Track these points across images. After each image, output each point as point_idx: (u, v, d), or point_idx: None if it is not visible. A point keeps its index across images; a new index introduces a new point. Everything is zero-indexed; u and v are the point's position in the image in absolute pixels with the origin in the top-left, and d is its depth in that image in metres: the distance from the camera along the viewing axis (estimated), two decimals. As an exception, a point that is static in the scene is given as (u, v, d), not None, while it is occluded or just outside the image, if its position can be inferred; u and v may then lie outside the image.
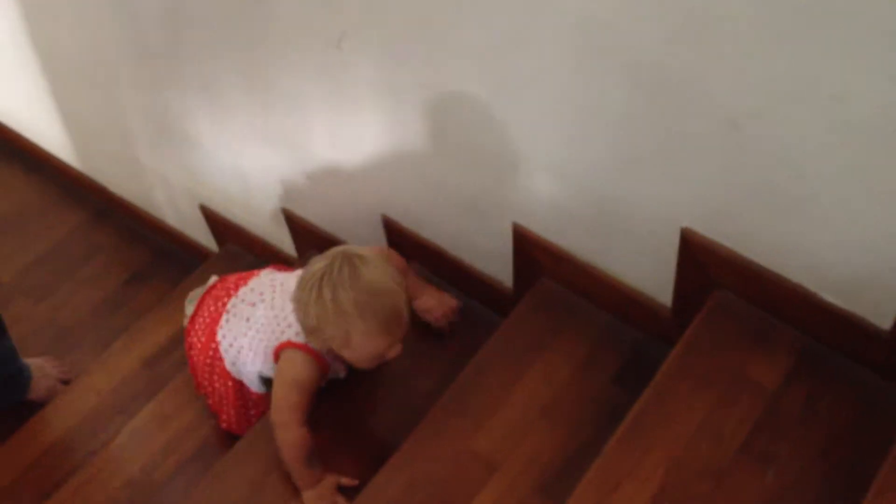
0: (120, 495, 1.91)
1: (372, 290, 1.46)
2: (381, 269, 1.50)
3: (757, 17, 1.04)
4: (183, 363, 2.09)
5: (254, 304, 1.73)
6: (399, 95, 1.55)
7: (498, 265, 1.78)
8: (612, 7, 1.15)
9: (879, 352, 1.30)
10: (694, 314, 1.44)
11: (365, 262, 1.49)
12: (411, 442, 1.55)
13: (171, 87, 2.07)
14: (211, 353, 1.79)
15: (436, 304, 1.80)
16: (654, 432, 1.32)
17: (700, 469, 1.27)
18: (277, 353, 1.64)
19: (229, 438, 1.87)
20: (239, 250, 2.50)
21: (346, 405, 1.77)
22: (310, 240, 2.18)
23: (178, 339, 2.18)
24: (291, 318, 1.60)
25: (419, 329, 1.78)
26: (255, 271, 1.85)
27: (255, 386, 1.77)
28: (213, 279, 1.92)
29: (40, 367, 2.30)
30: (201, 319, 1.84)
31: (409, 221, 1.88)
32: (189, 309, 1.93)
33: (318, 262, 1.51)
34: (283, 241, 2.31)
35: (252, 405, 1.82)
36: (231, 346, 1.74)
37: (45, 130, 2.85)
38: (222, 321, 1.77)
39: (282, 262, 2.19)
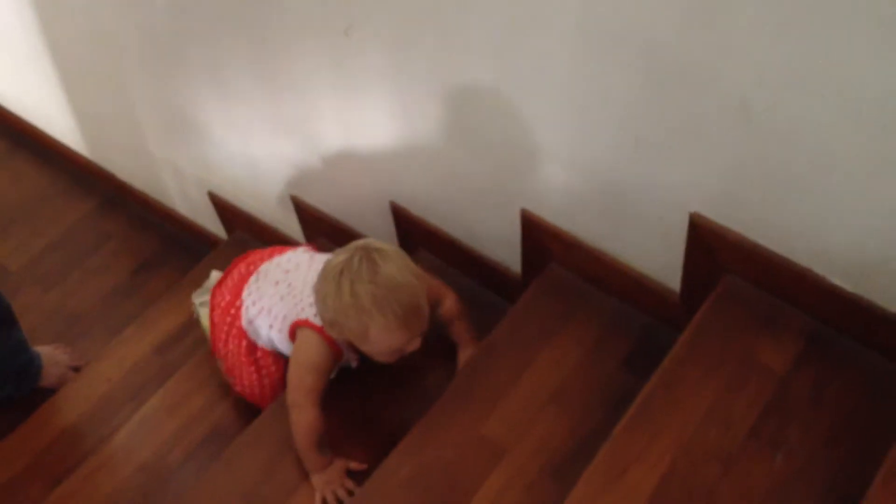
0: (131, 481, 1.93)
1: (391, 285, 1.46)
2: (400, 263, 1.50)
3: (767, 0, 1.03)
4: (193, 350, 2.10)
5: (287, 272, 1.74)
6: (407, 83, 1.55)
7: (506, 251, 1.78)
8: (621, -9, 1.15)
9: (889, 335, 1.30)
10: (702, 299, 1.44)
11: (384, 257, 1.49)
12: (421, 427, 1.56)
13: (180, 75, 2.07)
14: (233, 311, 1.80)
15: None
16: (662, 417, 1.32)
17: (708, 454, 1.28)
18: (294, 329, 1.65)
19: (240, 422, 1.88)
20: (248, 238, 2.50)
21: (356, 392, 1.77)
22: (318, 227, 2.18)
23: (188, 326, 2.20)
24: (314, 298, 1.60)
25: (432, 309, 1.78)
26: (294, 247, 1.86)
27: (268, 346, 1.77)
28: (216, 274, 1.95)
29: (51, 355, 2.31)
30: (230, 280, 1.85)
31: (418, 208, 1.88)
32: (213, 280, 1.96)
33: (339, 256, 1.51)
34: (292, 228, 2.31)
35: (263, 366, 1.82)
36: (254, 304, 1.75)
37: (55, 119, 2.85)
38: (251, 281, 1.79)
39: (290, 247, 2.19)
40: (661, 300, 1.57)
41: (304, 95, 1.78)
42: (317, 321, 1.60)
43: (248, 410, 1.91)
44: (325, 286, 1.50)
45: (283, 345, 1.72)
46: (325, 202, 2.12)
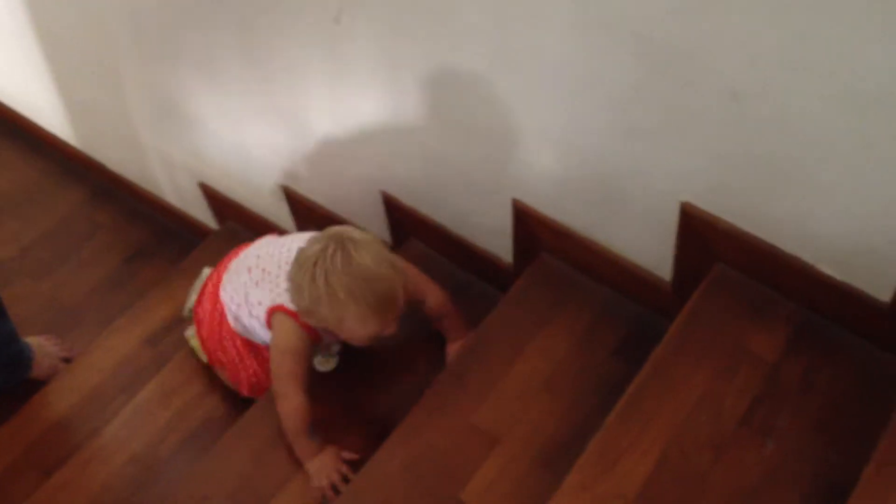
0: (123, 471, 1.93)
1: (365, 275, 1.47)
2: (374, 252, 1.50)
3: (757, -11, 1.04)
4: (185, 340, 2.10)
5: (259, 257, 1.74)
6: (398, 70, 1.55)
7: (498, 240, 1.78)
8: (612, -21, 1.15)
9: (879, 324, 1.31)
10: (694, 288, 1.44)
11: (358, 246, 1.49)
12: (413, 416, 1.56)
13: (171, 64, 2.06)
14: (218, 316, 1.80)
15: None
16: (653, 406, 1.32)
17: (700, 441, 1.28)
18: (270, 315, 1.65)
19: (232, 413, 1.88)
20: (239, 228, 2.50)
21: (348, 382, 1.78)
22: (310, 217, 2.18)
23: (180, 317, 2.19)
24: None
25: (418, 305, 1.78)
26: (258, 240, 1.86)
27: (259, 338, 1.77)
28: (206, 271, 1.95)
29: (41, 346, 2.30)
30: (206, 293, 1.86)
31: (409, 198, 1.88)
32: (203, 277, 1.97)
33: (314, 245, 1.52)
34: (283, 218, 2.31)
35: (265, 359, 1.81)
36: (232, 300, 1.76)
37: (44, 109, 2.84)
38: (224, 281, 1.79)
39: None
40: (653, 289, 1.57)
41: (294, 83, 1.78)
42: (292, 306, 1.61)
43: (240, 402, 1.91)
44: (300, 276, 1.51)
45: (263, 332, 1.73)
46: (316, 192, 2.12)
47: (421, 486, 1.48)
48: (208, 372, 2.00)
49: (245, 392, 1.88)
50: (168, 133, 2.37)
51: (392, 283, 1.50)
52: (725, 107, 1.18)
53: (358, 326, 1.52)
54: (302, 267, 1.51)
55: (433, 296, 1.73)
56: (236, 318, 1.77)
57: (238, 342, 1.81)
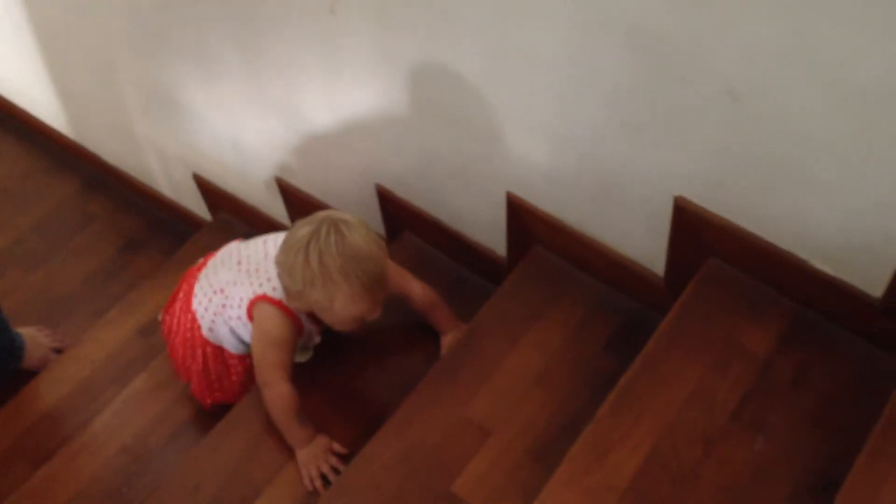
0: (115, 462, 1.92)
1: (358, 255, 1.49)
2: (364, 233, 1.53)
3: (753, -17, 1.04)
4: (177, 332, 2.09)
5: (231, 262, 1.74)
6: (392, 62, 1.54)
7: (491, 234, 1.78)
8: (608, -27, 1.15)
9: (870, 320, 1.31)
10: (687, 283, 1.44)
11: (350, 228, 1.51)
12: (405, 408, 1.56)
13: (165, 55, 2.05)
14: (189, 324, 1.80)
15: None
16: (645, 399, 1.33)
17: (691, 435, 1.28)
18: (251, 307, 1.65)
19: (223, 406, 1.88)
20: (232, 219, 2.50)
21: (341, 373, 1.78)
22: (303, 209, 2.17)
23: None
24: (271, 273, 1.62)
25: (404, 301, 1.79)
26: (224, 247, 1.85)
27: (232, 347, 1.78)
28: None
29: (33, 337, 2.29)
30: (177, 303, 1.86)
31: (403, 191, 1.88)
32: None
33: (304, 227, 1.53)
34: (277, 210, 2.31)
35: (233, 371, 1.83)
36: (206, 309, 1.75)
37: (38, 98, 2.83)
38: (195, 290, 1.79)
39: (274, 230, 2.19)
40: (646, 283, 1.57)
41: (289, 75, 1.77)
42: (274, 295, 1.62)
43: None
44: (292, 258, 1.51)
45: (234, 339, 1.74)
46: (310, 184, 2.12)
47: (413, 478, 1.48)
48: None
49: (208, 403, 1.88)
50: (162, 124, 2.37)
51: (382, 262, 1.54)
52: (721, 103, 1.18)
53: (348, 307, 1.52)
54: (293, 249, 1.52)
55: (416, 290, 1.74)
56: (210, 328, 1.77)
57: (209, 350, 1.80)
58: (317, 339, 1.74)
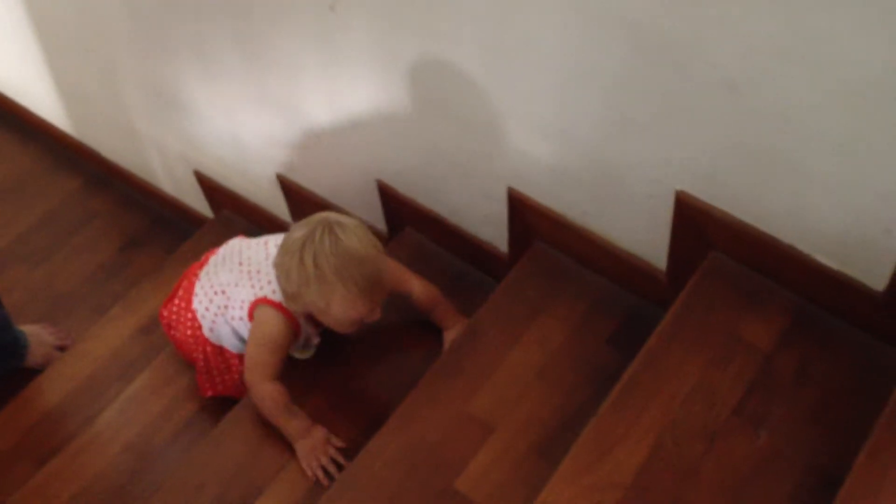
0: (117, 460, 1.92)
1: (353, 257, 1.50)
2: (360, 235, 1.53)
3: (753, -23, 1.03)
4: (179, 329, 2.09)
5: (232, 263, 1.74)
6: (393, 59, 1.54)
7: (493, 230, 1.78)
8: (607, -33, 1.15)
9: (873, 313, 1.31)
10: (688, 277, 1.44)
11: (345, 229, 1.52)
12: (407, 405, 1.56)
13: (165, 52, 2.05)
14: (189, 323, 1.81)
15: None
16: (647, 394, 1.32)
17: (693, 430, 1.28)
18: (252, 309, 1.66)
19: (227, 403, 1.88)
20: (234, 217, 2.50)
21: (342, 372, 1.77)
22: (305, 206, 2.17)
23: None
24: (272, 276, 1.62)
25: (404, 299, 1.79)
26: (225, 243, 1.85)
27: (233, 347, 1.78)
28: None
29: (37, 334, 2.30)
30: (177, 299, 1.86)
31: (405, 187, 1.87)
32: None
33: (300, 229, 1.54)
34: (279, 207, 2.30)
35: (234, 369, 1.84)
36: (207, 309, 1.76)
37: (39, 96, 2.83)
38: (196, 289, 1.80)
39: (277, 228, 2.19)
40: (648, 278, 1.57)
41: (289, 72, 1.77)
42: (275, 297, 1.63)
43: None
44: (288, 260, 1.52)
45: (235, 338, 1.75)
46: (311, 181, 2.12)
47: (415, 475, 1.48)
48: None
49: (209, 394, 1.89)
50: (163, 121, 2.36)
51: (378, 264, 1.54)
52: (720, 96, 1.18)
53: (345, 308, 1.53)
54: (289, 251, 1.52)
55: (417, 287, 1.74)
56: (211, 329, 1.77)
57: (209, 349, 1.81)
58: (315, 341, 1.74)
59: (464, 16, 1.36)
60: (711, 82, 1.17)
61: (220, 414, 1.80)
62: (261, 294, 1.65)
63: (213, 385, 1.87)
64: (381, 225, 2.03)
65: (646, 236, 1.52)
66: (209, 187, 2.50)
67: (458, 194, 1.78)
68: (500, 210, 1.69)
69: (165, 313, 1.90)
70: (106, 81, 2.39)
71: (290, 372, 1.71)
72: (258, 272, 1.67)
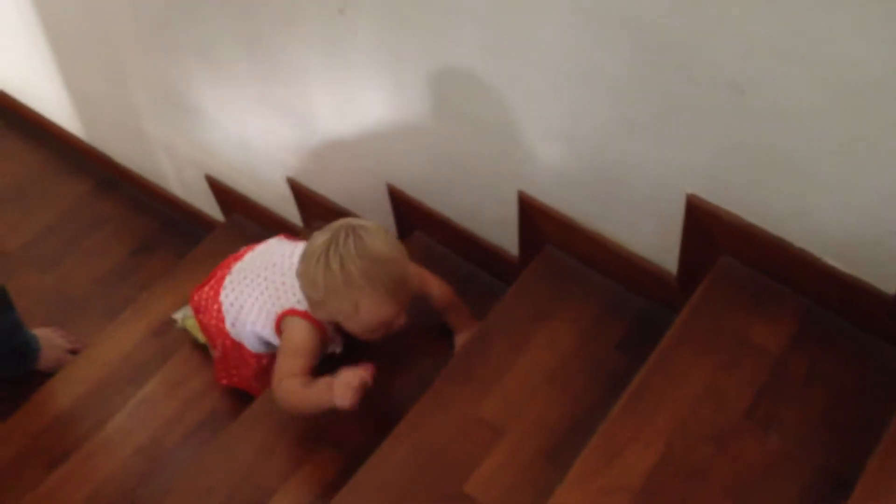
0: (128, 463, 1.93)
1: (379, 258, 1.49)
2: (383, 238, 1.53)
3: (761, -20, 1.03)
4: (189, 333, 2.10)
5: (261, 267, 1.74)
6: (402, 63, 1.54)
7: (503, 233, 1.78)
8: (615, -29, 1.15)
9: (883, 316, 1.31)
10: (699, 281, 1.44)
11: (368, 232, 1.51)
12: (417, 409, 1.56)
13: (174, 55, 2.06)
14: (215, 313, 1.81)
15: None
16: (657, 397, 1.32)
17: (703, 434, 1.28)
18: (280, 321, 1.65)
19: (238, 406, 1.89)
20: (245, 220, 2.50)
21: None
22: (316, 210, 2.18)
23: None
24: (297, 287, 1.61)
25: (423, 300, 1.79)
26: (266, 241, 1.86)
27: (253, 347, 1.78)
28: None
29: (48, 338, 2.31)
30: (208, 287, 1.86)
31: (415, 190, 1.88)
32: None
33: (322, 236, 1.53)
34: (290, 210, 2.31)
35: (249, 366, 1.84)
36: (232, 305, 1.76)
37: (50, 100, 2.84)
38: (226, 282, 1.79)
39: (288, 231, 2.19)
40: (658, 282, 1.57)
41: (298, 75, 1.78)
42: (300, 307, 1.61)
43: (245, 393, 1.92)
44: (313, 267, 1.51)
45: (257, 342, 1.75)
46: (321, 185, 2.12)
47: (425, 477, 1.48)
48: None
49: (223, 383, 1.91)
50: (173, 125, 2.37)
51: (404, 265, 1.53)
52: (728, 99, 1.18)
53: (373, 312, 1.51)
54: (312, 258, 1.51)
55: (437, 288, 1.73)
56: (233, 324, 1.77)
57: (228, 342, 1.81)
58: (338, 350, 1.73)
59: (470, 21, 1.37)
60: (712, 83, 1.17)
61: (232, 416, 1.81)
62: (287, 306, 1.64)
63: (228, 375, 1.89)
64: (392, 228, 2.04)
65: (656, 239, 1.52)
66: (220, 191, 2.51)
67: (467, 197, 1.78)
68: (510, 213, 1.69)
69: (196, 297, 1.90)
70: (116, 85, 2.40)
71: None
72: (283, 284, 1.66)
